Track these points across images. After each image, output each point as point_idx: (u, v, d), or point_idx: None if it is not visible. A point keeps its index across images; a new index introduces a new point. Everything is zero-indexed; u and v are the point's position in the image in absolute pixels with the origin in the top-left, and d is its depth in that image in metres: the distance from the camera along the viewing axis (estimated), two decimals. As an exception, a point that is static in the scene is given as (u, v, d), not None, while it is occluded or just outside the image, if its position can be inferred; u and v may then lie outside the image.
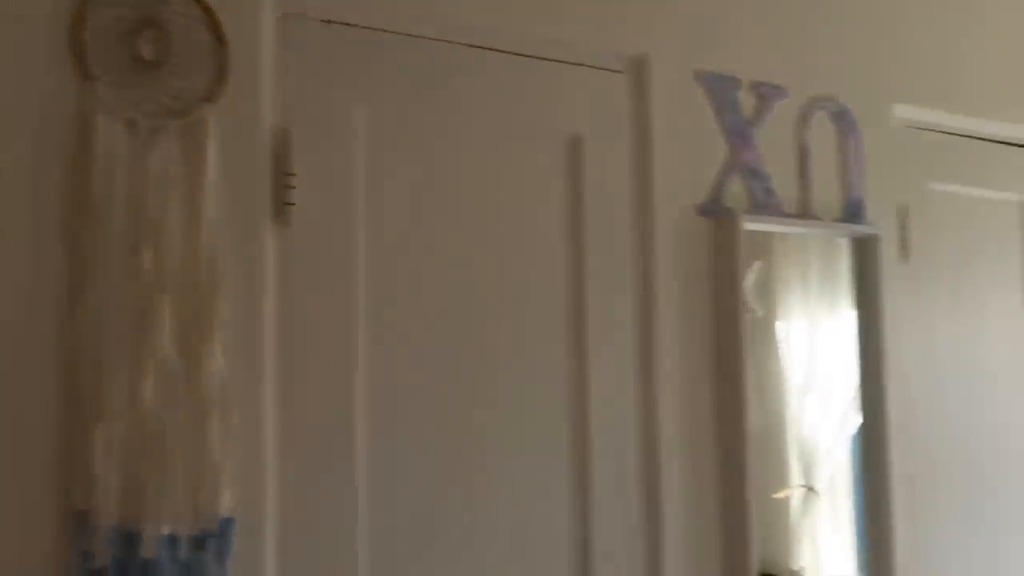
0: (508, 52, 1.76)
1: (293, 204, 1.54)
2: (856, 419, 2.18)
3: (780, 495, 2.34)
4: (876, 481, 2.12)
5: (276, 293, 1.52)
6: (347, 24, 1.62)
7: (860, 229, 2.15)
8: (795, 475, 2.36)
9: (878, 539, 2.10)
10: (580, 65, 1.83)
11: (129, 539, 1.33)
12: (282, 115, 1.55)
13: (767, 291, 2.38)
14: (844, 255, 2.21)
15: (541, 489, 1.73)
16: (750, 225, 1.96)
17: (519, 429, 1.72)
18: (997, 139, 2.46)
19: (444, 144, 1.70)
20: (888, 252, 2.17)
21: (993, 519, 2.36)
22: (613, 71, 1.87)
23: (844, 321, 2.24)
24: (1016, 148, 2.51)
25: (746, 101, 2.02)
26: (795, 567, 2.31)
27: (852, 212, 2.15)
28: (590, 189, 1.81)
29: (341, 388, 1.56)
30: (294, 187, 1.54)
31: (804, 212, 2.08)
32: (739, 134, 2.00)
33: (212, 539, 1.37)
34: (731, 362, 1.91)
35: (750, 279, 2.26)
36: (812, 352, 2.39)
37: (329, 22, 1.61)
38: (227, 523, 1.39)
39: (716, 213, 1.95)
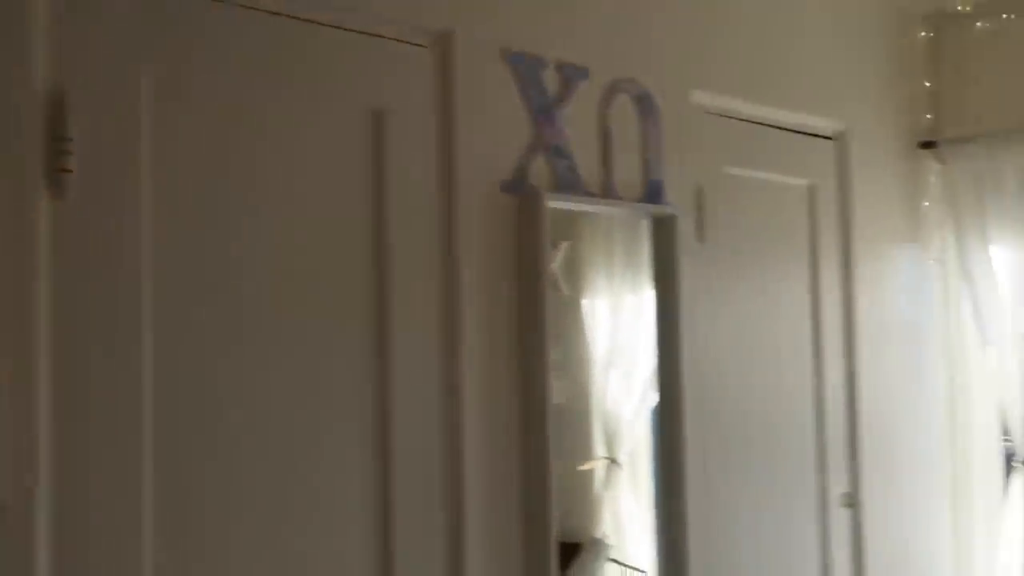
0: (309, 21, 1.72)
1: (70, 171, 1.44)
2: (655, 394, 2.27)
3: (584, 467, 2.42)
4: (671, 453, 2.22)
5: (50, 267, 1.42)
6: (134, -18, 1.53)
7: (659, 209, 2.23)
8: (599, 448, 2.44)
9: (673, 507, 2.20)
10: (384, 38, 1.81)
11: None
12: (58, 75, 1.44)
13: (574, 270, 2.44)
14: (646, 236, 2.29)
15: (341, 465, 1.71)
16: (553, 203, 2.00)
17: (319, 406, 1.69)
18: (788, 127, 2.62)
19: (240, 113, 1.63)
20: (685, 232, 2.27)
21: (779, 487, 2.52)
22: (418, 45, 1.86)
23: (645, 299, 2.32)
24: (805, 136, 2.68)
25: (551, 81, 2.05)
26: (598, 535, 2.40)
27: (652, 193, 2.23)
28: (392, 163, 1.79)
29: (124, 368, 1.48)
30: (71, 152, 1.44)
31: (607, 192, 2.15)
32: (543, 113, 2.03)
33: (-29, 529, 1.27)
34: (534, 337, 1.95)
35: (558, 259, 2.31)
36: (616, 329, 2.48)
37: (113, -22, 1.52)
38: (-11, 511, 1.29)
39: (520, 191, 1.98)
